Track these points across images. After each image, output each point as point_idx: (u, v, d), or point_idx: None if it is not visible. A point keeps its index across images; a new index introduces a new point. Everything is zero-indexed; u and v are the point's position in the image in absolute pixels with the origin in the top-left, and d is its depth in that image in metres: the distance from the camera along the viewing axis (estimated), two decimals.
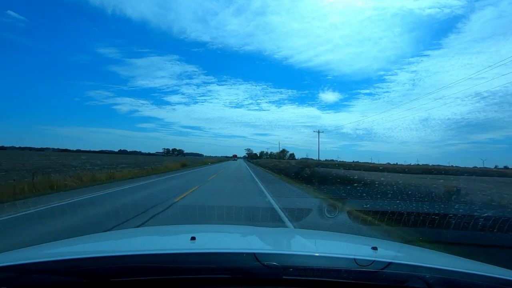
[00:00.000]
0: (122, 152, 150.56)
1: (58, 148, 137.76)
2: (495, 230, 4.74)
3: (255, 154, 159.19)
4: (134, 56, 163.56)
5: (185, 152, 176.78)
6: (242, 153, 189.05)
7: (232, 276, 1.08)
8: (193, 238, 1.42)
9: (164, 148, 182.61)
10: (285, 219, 6.72)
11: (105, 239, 1.83)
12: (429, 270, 1.11)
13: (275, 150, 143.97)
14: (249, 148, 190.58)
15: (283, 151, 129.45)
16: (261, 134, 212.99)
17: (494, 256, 4.12)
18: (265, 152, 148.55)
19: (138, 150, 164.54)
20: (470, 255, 3.91)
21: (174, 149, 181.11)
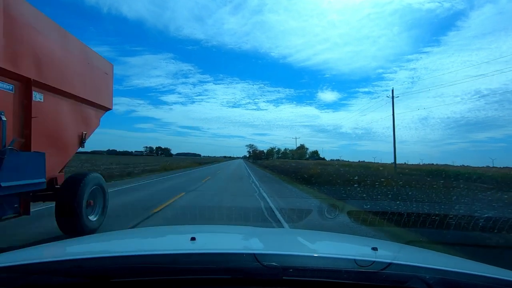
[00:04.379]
0: (110, 153, 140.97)
1: None
2: (495, 231, 4.74)
3: (262, 152, 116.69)
4: (128, 55, 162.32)
5: (171, 151, 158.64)
6: (242, 153, 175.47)
7: (232, 276, 1.08)
8: (193, 239, 1.42)
9: (146, 147, 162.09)
10: None
11: (105, 240, 1.84)
12: (429, 270, 1.11)
13: (282, 148, 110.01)
14: (252, 144, 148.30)
15: (302, 148, 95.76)
16: (259, 134, 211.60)
17: (494, 257, 4.12)
18: (276, 150, 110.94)
19: (130, 150, 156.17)
20: (470, 256, 3.91)
21: (158, 148, 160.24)
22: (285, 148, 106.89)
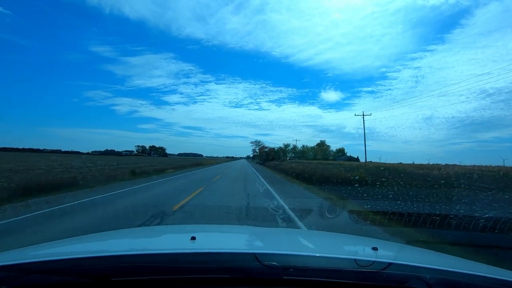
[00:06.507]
0: (109, 153, 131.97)
1: (51, 149, 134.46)
2: (496, 231, 4.73)
3: (271, 150, 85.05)
4: (129, 55, 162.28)
5: (167, 150, 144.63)
6: (245, 153, 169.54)
7: (232, 276, 1.08)
8: (193, 238, 1.42)
9: (139, 146, 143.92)
10: None
11: (105, 239, 1.84)
12: (429, 270, 1.11)
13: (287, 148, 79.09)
14: (258, 140, 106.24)
15: (323, 145, 71.90)
16: (262, 134, 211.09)
17: (495, 257, 4.11)
18: (291, 147, 78.21)
19: (124, 150, 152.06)
20: (471, 256, 3.90)
21: (152, 147, 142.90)
22: (303, 146, 77.85)
